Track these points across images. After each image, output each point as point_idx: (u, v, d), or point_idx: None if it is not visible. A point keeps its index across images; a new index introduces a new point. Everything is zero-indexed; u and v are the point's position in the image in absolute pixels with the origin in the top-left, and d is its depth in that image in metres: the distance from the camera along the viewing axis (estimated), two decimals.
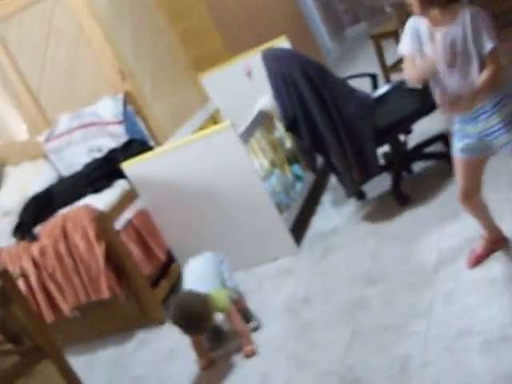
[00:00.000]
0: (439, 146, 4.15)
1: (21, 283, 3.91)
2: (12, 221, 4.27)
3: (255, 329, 3.38)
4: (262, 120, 4.32)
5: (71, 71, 4.62)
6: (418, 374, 2.57)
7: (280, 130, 4.41)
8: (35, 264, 3.95)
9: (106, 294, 3.82)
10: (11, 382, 2.82)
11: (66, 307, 3.96)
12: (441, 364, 2.55)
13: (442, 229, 3.41)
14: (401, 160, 4.06)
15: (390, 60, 5.60)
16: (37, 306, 3.97)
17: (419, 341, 2.72)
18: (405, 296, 3.07)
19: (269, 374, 3.02)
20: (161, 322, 3.93)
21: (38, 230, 4.04)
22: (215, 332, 3.45)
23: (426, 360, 2.61)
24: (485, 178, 2.87)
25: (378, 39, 5.61)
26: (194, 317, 3.04)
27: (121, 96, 4.52)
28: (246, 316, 3.41)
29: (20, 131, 5.06)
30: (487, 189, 2.98)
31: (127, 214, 4.05)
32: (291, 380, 2.91)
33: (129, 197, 4.08)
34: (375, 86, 4.26)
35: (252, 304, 3.51)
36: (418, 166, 4.18)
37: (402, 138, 4.05)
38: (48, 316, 3.98)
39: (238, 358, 3.24)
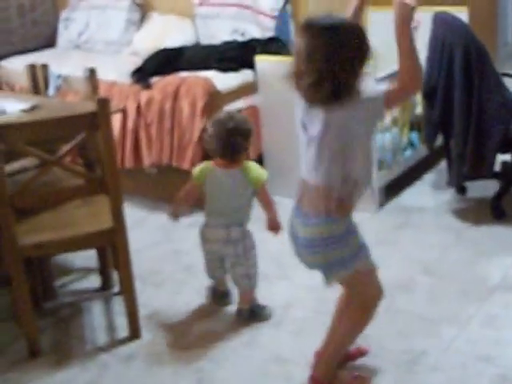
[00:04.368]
0: None
1: (117, 121, 4.04)
2: (136, 62, 4.35)
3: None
4: None
5: None
6: (424, 372, 2.55)
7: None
8: (138, 110, 4.06)
9: (187, 165, 3.89)
10: (67, 200, 2.95)
11: (147, 160, 4.08)
12: (450, 375, 2.52)
13: None
14: None
15: None
16: (122, 148, 4.11)
17: (441, 345, 2.69)
18: (451, 298, 3.02)
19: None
20: None
21: (154, 80, 4.11)
22: (224, 295, 3.17)
23: (438, 364, 2.58)
24: None
25: None
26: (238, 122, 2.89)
27: None
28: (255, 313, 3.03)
29: None
30: None
31: (239, 103, 4.06)
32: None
33: (248, 88, 4.09)
34: None
35: None
36: None
37: None
38: (128, 161, 4.12)
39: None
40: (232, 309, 3.06)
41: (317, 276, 2.38)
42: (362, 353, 2.66)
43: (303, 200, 2.28)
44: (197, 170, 2.99)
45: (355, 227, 2.30)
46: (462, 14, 4.34)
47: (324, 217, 2.21)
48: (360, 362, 2.64)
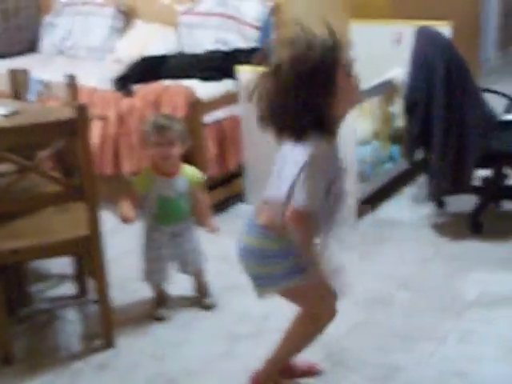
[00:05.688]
0: None
1: (98, 128, 4.03)
2: (118, 70, 4.34)
3: (208, 307, 3.17)
4: (386, 89, 4.22)
5: None
6: None
7: (397, 106, 4.30)
8: (119, 117, 4.05)
9: None
10: (43, 206, 2.93)
11: (127, 168, 4.06)
12: None
13: (496, 272, 3.32)
14: (494, 190, 3.92)
15: None
16: (102, 154, 4.09)
17: (418, 360, 2.68)
18: (428, 314, 3.02)
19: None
20: None
21: (136, 88, 4.10)
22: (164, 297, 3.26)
23: (414, 380, 2.57)
24: None
25: None
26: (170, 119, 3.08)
27: (270, 5, 4.50)
28: (203, 291, 3.23)
29: None
30: None
31: (220, 113, 4.07)
32: None
33: (229, 98, 4.08)
34: (508, 111, 4.10)
35: None
36: (509, 206, 4.03)
37: (507, 171, 3.90)
38: (108, 168, 4.11)
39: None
40: (210, 319, 3.05)
41: None
42: (313, 372, 2.61)
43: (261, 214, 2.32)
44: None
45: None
46: (444, 29, 4.37)
47: (266, 231, 2.24)
48: (338, 375, 2.63)
